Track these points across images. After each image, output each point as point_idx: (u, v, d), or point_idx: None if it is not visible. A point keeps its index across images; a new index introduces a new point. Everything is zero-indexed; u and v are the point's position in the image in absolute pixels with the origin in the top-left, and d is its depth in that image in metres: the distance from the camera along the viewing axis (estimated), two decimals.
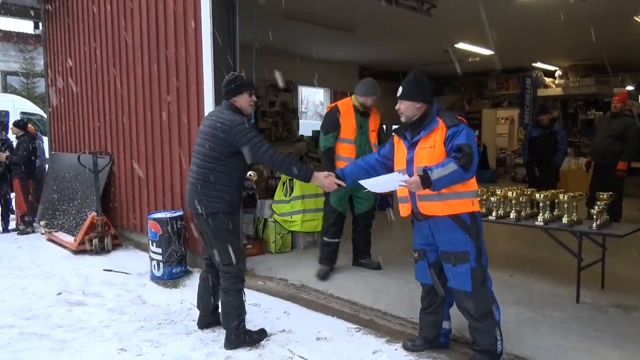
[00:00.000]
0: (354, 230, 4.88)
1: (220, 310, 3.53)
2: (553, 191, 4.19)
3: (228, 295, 3.42)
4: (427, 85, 3.09)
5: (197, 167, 3.41)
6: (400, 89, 3.02)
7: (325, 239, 4.74)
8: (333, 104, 4.69)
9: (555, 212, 4.17)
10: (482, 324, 2.94)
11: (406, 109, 3.01)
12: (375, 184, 3.14)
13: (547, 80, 12.69)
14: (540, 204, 4.12)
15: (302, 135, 11.86)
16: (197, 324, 3.78)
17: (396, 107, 3.05)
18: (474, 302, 2.92)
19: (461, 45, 9.64)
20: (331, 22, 7.84)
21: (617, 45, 9.33)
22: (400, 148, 3.10)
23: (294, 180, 5.69)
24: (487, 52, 10.16)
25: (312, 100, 29.26)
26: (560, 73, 12.52)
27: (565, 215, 4.01)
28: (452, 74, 12.75)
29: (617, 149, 6.36)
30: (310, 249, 5.75)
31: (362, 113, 4.57)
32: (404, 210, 3.12)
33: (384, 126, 15.20)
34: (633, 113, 6.52)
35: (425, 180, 2.79)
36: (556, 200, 4.14)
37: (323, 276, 4.67)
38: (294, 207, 5.62)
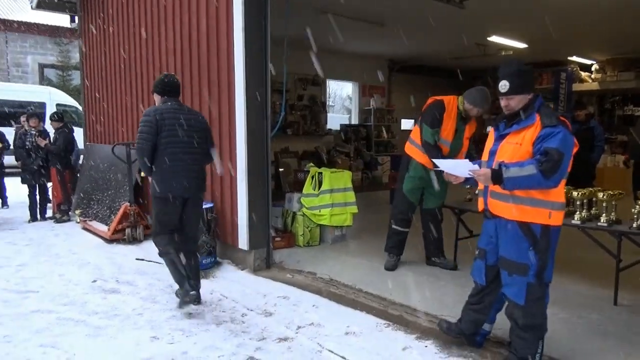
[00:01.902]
0: (423, 227, 4.84)
1: (190, 271, 3.98)
2: (591, 189, 4.06)
3: (198, 256, 4.18)
4: (531, 72, 2.89)
5: (192, 159, 3.93)
6: (507, 83, 2.75)
7: (394, 226, 4.76)
8: (439, 98, 4.55)
9: (593, 211, 4.05)
10: (527, 334, 2.81)
11: (518, 103, 2.76)
12: (447, 166, 3.05)
13: (583, 74, 12.29)
14: (577, 202, 4.00)
15: (330, 129, 11.84)
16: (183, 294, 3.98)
17: (503, 104, 2.81)
18: (524, 315, 2.78)
19: (494, 39, 9.43)
20: (362, 15, 7.76)
21: None
22: (490, 138, 2.94)
23: (324, 174, 5.70)
24: (521, 45, 9.91)
25: (340, 94, 29.15)
26: (598, 67, 12.10)
27: (604, 214, 3.89)
28: (483, 68, 12.48)
29: None
30: (338, 243, 5.76)
31: (463, 118, 4.51)
32: (480, 204, 2.99)
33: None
34: None
35: (496, 175, 2.64)
36: (594, 199, 4.02)
37: (391, 267, 4.72)
38: (323, 201, 5.62)
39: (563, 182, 2.69)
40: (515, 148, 2.72)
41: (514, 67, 2.80)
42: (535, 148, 2.64)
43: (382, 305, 3.93)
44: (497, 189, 2.75)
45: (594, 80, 12.13)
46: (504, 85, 2.77)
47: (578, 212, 3.99)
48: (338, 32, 9.15)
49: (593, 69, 12.21)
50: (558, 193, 2.71)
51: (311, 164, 6.58)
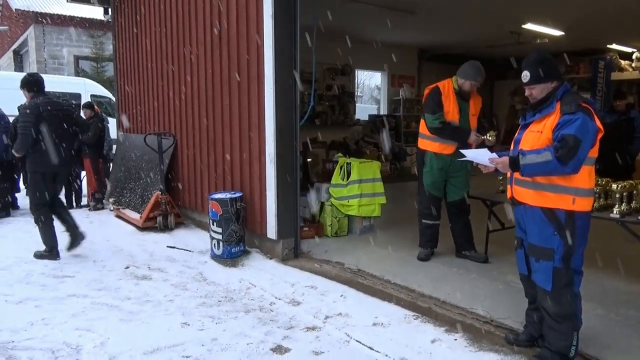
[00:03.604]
0: (450, 220, 4.79)
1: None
2: (631, 182, 3.90)
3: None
4: (554, 61, 2.90)
5: (63, 138, 4.98)
6: (528, 74, 2.82)
7: (424, 221, 4.74)
8: (433, 85, 4.56)
9: (633, 204, 3.89)
10: (559, 325, 2.78)
11: (540, 92, 2.81)
12: (472, 155, 3.16)
13: (623, 62, 11.79)
14: (617, 195, 3.85)
15: (358, 119, 11.75)
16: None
17: (527, 94, 2.87)
18: (553, 303, 2.77)
19: (529, 26, 9.13)
20: (393, 3, 7.63)
21: None
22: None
23: (352, 164, 5.66)
24: (557, 32, 9.57)
25: (368, 84, 28.93)
26: (638, 55, 11.59)
27: None
28: (517, 57, 12.13)
29: None
30: (366, 233, 5.72)
31: (462, 97, 4.47)
32: (508, 192, 3.05)
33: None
34: None
35: (514, 162, 2.72)
36: (634, 192, 3.86)
37: (424, 258, 4.73)
38: (351, 192, 5.59)
39: (586, 168, 2.68)
40: (536, 136, 2.77)
41: (535, 57, 2.87)
42: (554, 135, 2.67)
43: (411, 296, 3.89)
44: (520, 176, 2.80)
45: (634, 69, 11.62)
46: (525, 76, 2.85)
47: (617, 206, 3.84)
48: (367, 22, 9.05)
49: (634, 57, 11.70)
50: (582, 179, 2.70)
51: (339, 154, 6.54)
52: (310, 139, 9.96)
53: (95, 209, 7.64)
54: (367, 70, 14.04)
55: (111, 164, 8.39)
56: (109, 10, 8.87)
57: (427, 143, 4.61)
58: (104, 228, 6.52)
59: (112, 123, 9.08)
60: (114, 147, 8.61)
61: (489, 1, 6.91)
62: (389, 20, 8.68)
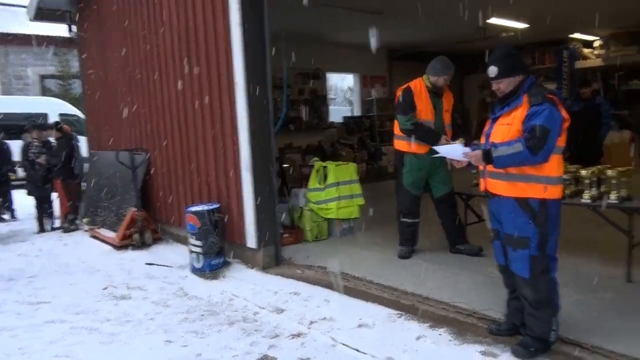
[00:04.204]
0: (440, 216, 4.82)
1: None
2: (599, 167, 4.00)
3: None
4: (519, 55, 2.98)
5: None
6: (495, 68, 2.87)
7: (404, 220, 4.75)
8: (404, 86, 4.58)
9: (603, 189, 3.99)
10: (538, 312, 2.85)
11: (507, 86, 2.87)
12: (444, 151, 3.21)
13: (586, 51, 12.11)
14: (586, 181, 3.94)
15: (332, 122, 11.78)
16: None
17: (495, 88, 2.93)
18: (532, 290, 2.83)
19: (494, 20, 9.30)
20: (359, 5, 7.68)
21: None
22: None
23: (328, 167, 5.67)
24: (522, 25, 9.77)
25: (341, 86, 29.04)
26: (601, 43, 11.91)
27: (614, 191, 3.83)
28: (484, 52, 12.34)
29: None
30: (346, 236, 5.74)
31: (435, 93, 4.49)
32: (481, 185, 3.10)
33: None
34: None
35: (487, 155, 2.77)
36: (603, 177, 3.96)
37: (405, 256, 4.75)
38: (329, 195, 5.60)
39: (555, 156, 2.77)
40: (506, 128, 2.83)
41: (501, 52, 2.94)
42: (524, 127, 2.74)
43: (394, 295, 3.90)
44: (493, 168, 2.86)
45: (597, 56, 11.94)
46: (492, 71, 2.90)
47: (587, 191, 3.94)
48: (337, 24, 9.09)
49: (596, 44, 12.03)
50: (552, 167, 2.78)
51: (315, 158, 6.55)
52: (286, 144, 9.97)
53: (69, 230, 7.47)
54: (339, 72, 14.09)
55: (83, 184, 8.21)
56: (73, 27, 8.71)
57: (403, 144, 4.62)
58: (79, 249, 6.38)
59: (82, 141, 8.90)
60: (86, 165, 8.43)
61: None
62: (357, 22, 8.74)
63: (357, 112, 12.94)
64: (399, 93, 4.60)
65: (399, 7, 7.92)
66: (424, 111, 4.46)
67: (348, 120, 12.27)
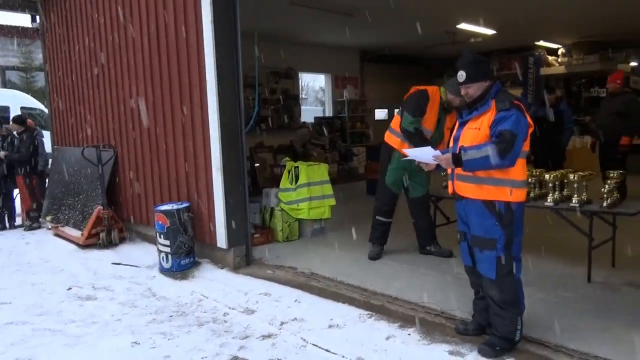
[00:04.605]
0: (413, 216, 4.86)
1: None
2: (562, 171, 4.15)
3: None
4: (486, 61, 3.06)
5: None
6: (464, 73, 2.93)
7: (379, 217, 4.79)
8: (422, 88, 4.51)
9: (565, 192, 4.14)
10: (504, 312, 2.92)
11: (476, 90, 2.93)
12: (415, 154, 3.24)
13: (550, 58, 12.53)
14: (550, 184, 4.09)
15: (304, 122, 11.80)
16: None
17: (463, 93, 2.99)
18: (498, 290, 2.90)
19: (463, 26, 9.51)
20: (330, 6, 7.72)
21: (621, 21, 9.19)
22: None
23: (300, 168, 5.68)
24: (490, 32, 10.03)
25: (312, 86, 29.09)
26: (564, 51, 12.35)
27: (575, 195, 3.98)
28: (453, 56, 12.59)
29: (619, 126, 6.35)
30: (317, 236, 5.76)
31: (444, 108, 4.50)
32: (449, 187, 3.16)
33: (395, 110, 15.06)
34: (632, 90, 6.50)
35: (457, 158, 2.82)
36: (565, 180, 4.11)
37: (375, 257, 4.77)
38: (300, 195, 5.60)
39: (521, 160, 2.86)
40: (475, 133, 2.90)
41: (470, 58, 3.00)
42: (492, 131, 2.82)
43: (364, 296, 3.94)
44: (461, 171, 2.92)
45: (560, 64, 12.37)
46: (461, 75, 2.96)
47: (551, 194, 4.08)
48: (308, 24, 9.11)
49: (559, 52, 12.46)
50: (517, 171, 2.87)
51: (287, 158, 6.54)
52: (257, 143, 9.92)
53: (31, 228, 7.22)
54: (311, 72, 14.11)
55: (47, 180, 7.95)
56: (37, 17, 8.42)
57: (396, 140, 4.60)
58: (42, 248, 6.18)
59: (46, 136, 8.61)
60: (50, 161, 8.17)
61: (421, 2, 7.13)
62: (329, 23, 8.79)
63: (328, 112, 12.99)
64: (413, 91, 4.53)
65: (367, 9, 8.00)
66: (429, 121, 4.46)
67: (320, 120, 12.31)
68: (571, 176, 3.99)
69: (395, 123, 4.65)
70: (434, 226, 4.96)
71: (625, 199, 5.05)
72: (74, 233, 6.35)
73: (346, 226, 6.07)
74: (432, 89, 4.52)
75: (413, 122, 4.43)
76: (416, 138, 4.43)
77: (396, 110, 4.72)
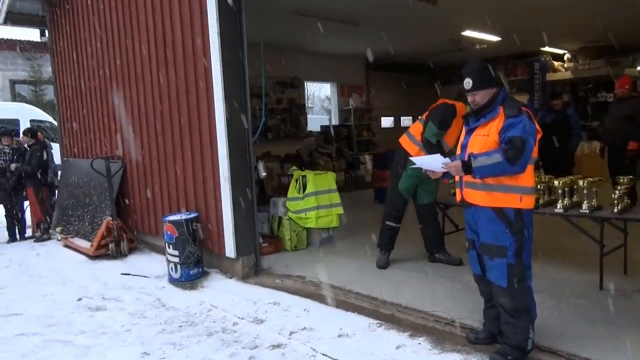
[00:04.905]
0: (420, 222, 4.86)
1: None
2: (572, 177, 4.12)
3: None
4: (491, 70, 3.06)
5: None
6: (470, 81, 2.94)
7: (389, 223, 4.78)
8: (450, 102, 4.47)
9: (575, 199, 4.12)
10: (516, 320, 2.89)
11: (483, 97, 2.94)
12: (423, 162, 3.22)
13: (556, 64, 12.50)
14: (559, 191, 4.06)
15: (310, 131, 11.82)
16: None
17: (470, 100, 3.00)
18: (509, 298, 2.88)
19: (468, 33, 9.52)
20: (336, 15, 7.77)
21: (627, 25, 9.15)
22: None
23: (307, 176, 5.69)
24: (494, 38, 10.03)
25: (318, 95, 29.19)
26: (570, 56, 12.32)
27: (585, 201, 3.95)
28: (458, 63, 12.60)
29: (628, 131, 6.31)
30: (326, 245, 5.75)
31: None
32: (457, 195, 3.15)
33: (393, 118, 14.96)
34: None
35: (466, 166, 2.81)
36: (575, 187, 4.08)
37: (384, 265, 4.76)
38: (308, 204, 5.60)
39: (530, 167, 2.85)
40: (483, 139, 2.89)
41: (475, 65, 3.01)
42: (501, 137, 2.81)
43: (373, 305, 3.93)
44: (470, 179, 2.91)
45: (566, 69, 12.34)
46: (467, 83, 2.97)
47: (560, 201, 4.05)
48: (313, 34, 9.16)
49: (565, 58, 12.44)
50: (527, 178, 2.86)
51: (294, 167, 6.55)
52: (264, 153, 9.95)
53: (41, 239, 7.27)
54: (316, 81, 14.19)
55: (56, 192, 8.02)
56: (46, 31, 8.53)
57: (414, 148, 4.55)
58: (52, 259, 6.21)
59: (55, 148, 8.70)
60: (59, 173, 8.24)
61: (426, 11, 7.15)
62: (334, 32, 8.83)
63: (334, 121, 13.02)
64: (441, 103, 4.51)
65: (373, 19, 8.05)
66: (452, 136, 4.42)
67: (326, 129, 12.33)
68: (580, 182, 3.97)
69: (416, 130, 4.60)
70: (443, 234, 4.94)
71: (635, 204, 5.02)
72: (84, 244, 6.39)
73: (354, 234, 6.07)
74: (459, 105, 4.46)
75: (437, 135, 4.38)
76: (435, 150, 4.33)
77: (419, 117, 4.69)
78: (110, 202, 6.20)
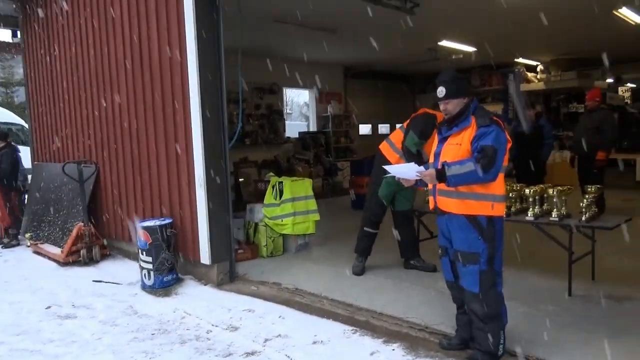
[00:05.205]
0: (396, 227, 4.89)
1: None
2: (542, 186, 4.22)
3: None
4: (465, 78, 3.12)
5: None
6: (444, 89, 2.99)
7: (367, 229, 4.80)
8: (431, 112, 4.45)
9: (545, 207, 4.22)
10: (487, 326, 2.94)
11: (455, 106, 2.99)
12: (397, 171, 3.24)
13: (530, 75, 12.82)
14: (530, 199, 4.15)
15: (288, 137, 11.83)
16: None
17: (442, 109, 3.05)
18: (481, 304, 2.92)
19: (444, 43, 9.70)
20: (314, 23, 7.82)
21: (597, 38, 9.47)
22: (434, 141, 3.19)
23: (284, 183, 5.68)
24: (470, 49, 10.24)
25: (297, 102, 29.24)
26: (542, 67, 12.66)
27: (555, 209, 4.05)
28: (435, 72, 12.77)
29: (596, 141, 6.51)
30: (302, 251, 5.74)
31: None
32: (430, 203, 3.17)
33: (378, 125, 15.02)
34: (609, 106, 6.71)
35: (440, 174, 2.85)
36: (545, 195, 4.18)
37: (359, 272, 4.77)
38: (285, 210, 5.59)
39: (501, 175, 2.92)
40: (456, 148, 2.94)
41: (449, 75, 3.07)
42: (473, 146, 2.87)
43: (349, 311, 3.94)
44: (443, 187, 2.95)
45: (539, 80, 12.67)
46: (441, 91, 3.02)
47: (531, 209, 4.14)
48: (292, 41, 9.19)
49: (538, 69, 12.76)
50: (498, 186, 2.93)
51: (271, 173, 6.54)
52: (241, 158, 9.91)
53: (10, 245, 7.06)
54: (295, 88, 14.21)
55: (26, 196, 7.81)
56: (18, 32, 8.34)
57: (393, 154, 4.58)
58: (21, 266, 6.04)
59: (26, 152, 8.48)
60: (29, 177, 8.03)
61: (404, 21, 7.25)
62: (313, 39, 8.88)
63: (313, 127, 13.06)
64: (423, 113, 4.51)
65: (351, 27, 8.12)
66: (430, 145, 4.46)
67: (304, 135, 12.36)
68: (550, 191, 4.07)
69: (396, 138, 4.61)
70: (418, 240, 4.99)
71: (603, 212, 5.17)
72: (54, 250, 6.23)
73: (331, 241, 6.09)
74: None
75: (417, 144, 4.40)
76: (415, 159, 4.34)
77: (397, 125, 4.71)
78: (83, 208, 6.07)
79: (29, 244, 6.84)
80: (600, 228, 3.97)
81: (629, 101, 14.26)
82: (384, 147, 4.75)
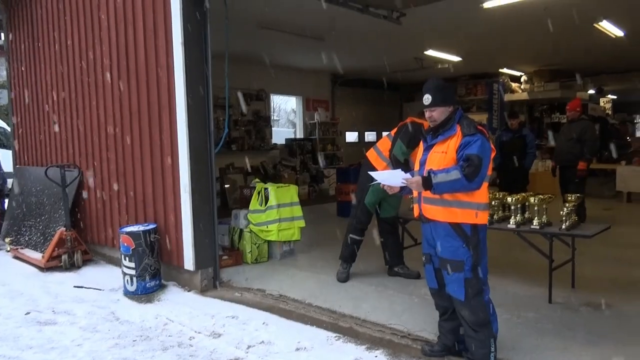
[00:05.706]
0: (381, 234, 4.92)
1: None
2: (524, 194, 4.29)
3: None
4: (451, 87, 3.16)
5: None
6: (430, 97, 3.02)
7: (352, 236, 4.80)
8: (419, 121, 4.41)
9: (527, 215, 4.28)
10: (477, 334, 2.95)
11: (440, 114, 3.02)
12: (383, 177, 3.26)
13: (513, 85, 13.05)
14: (512, 207, 4.21)
15: (275, 144, 11.84)
16: None
17: (427, 116, 3.08)
18: (469, 311, 2.94)
19: (430, 52, 9.82)
20: (302, 30, 7.87)
21: (579, 50, 9.67)
22: (421, 149, 3.22)
23: (270, 189, 5.68)
24: (456, 58, 10.38)
25: (284, 108, 29.24)
26: (526, 78, 12.89)
27: (536, 217, 4.11)
28: (422, 81, 12.91)
29: (577, 151, 6.64)
30: (287, 258, 5.74)
31: None
32: (415, 210, 3.19)
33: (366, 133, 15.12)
34: (590, 117, 6.85)
35: (426, 182, 2.88)
36: (527, 203, 4.25)
37: (344, 279, 4.77)
38: (270, 217, 5.59)
39: (485, 184, 2.95)
40: (441, 156, 2.98)
41: (435, 83, 3.12)
42: (458, 155, 2.91)
43: (332, 318, 3.94)
44: (428, 194, 2.98)
45: (523, 90, 12.89)
46: (427, 99, 3.06)
47: (513, 217, 4.20)
48: (279, 48, 9.23)
49: (522, 80, 12.99)
50: (482, 194, 2.97)
51: (257, 179, 6.53)
52: (227, 164, 9.88)
53: None
54: (282, 94, 14.25)
55: (6, 201, 7.68)
56: (2, 33, 8.25)
57: (380, 162, 4.59)
58: (0, 271, 5.93)
59: (7, 155, 8.35)
60: (9, 181, 7.90)
61: (391, 30, 7.34)
62: (300, 46, 8.93)
63: (299, 134, 13.09)
64: (410, 122, 4.49)
65: (338, 35, 8.18)
66: (417, 153, 4.49)
67: (290, 142, 12.38)
68: (532, 199, 4.13)
69: (384, 146, 4.63)
70: (402, 248, 5.02)
71: (584, 221, 5.26)
72: (35, 255, 6.13)
73: (316, 248, 6.09)
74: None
75: (405, 153, 4.43)
76: (402, 168, 4.36)
77: (384, 133, 4.72)
78: (65, 212, 5.99)
79: (8, 249, 6.73)
80: (580, 236, 4.04)
81: (609, 112, 14.57)
82: (371, 154, 4.78)
